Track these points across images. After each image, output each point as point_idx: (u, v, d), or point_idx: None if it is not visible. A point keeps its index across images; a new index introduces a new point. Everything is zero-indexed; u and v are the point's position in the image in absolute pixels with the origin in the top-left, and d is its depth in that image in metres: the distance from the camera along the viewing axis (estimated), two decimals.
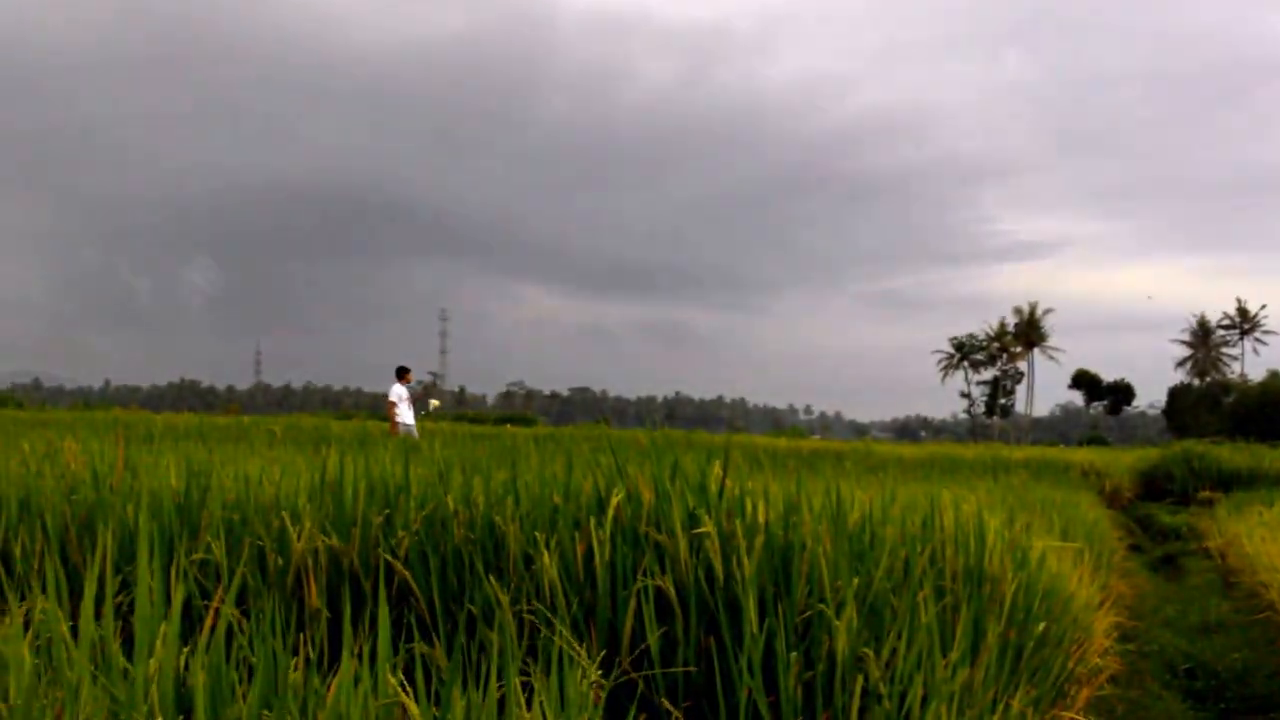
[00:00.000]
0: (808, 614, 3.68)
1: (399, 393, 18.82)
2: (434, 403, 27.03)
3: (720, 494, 4.09)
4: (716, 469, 4.26)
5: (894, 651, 3.54)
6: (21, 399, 47.77)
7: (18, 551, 4.15)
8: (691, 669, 3.67)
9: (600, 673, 3.33)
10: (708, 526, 3.81)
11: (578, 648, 3.26)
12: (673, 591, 3.74)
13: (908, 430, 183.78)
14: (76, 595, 3.96)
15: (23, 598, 3.71)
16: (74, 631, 2.88)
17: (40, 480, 4.59)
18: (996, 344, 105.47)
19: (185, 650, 2.64)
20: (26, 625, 3.01)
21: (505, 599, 3.68)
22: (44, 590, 3.43)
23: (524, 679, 3.43)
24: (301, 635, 3.60)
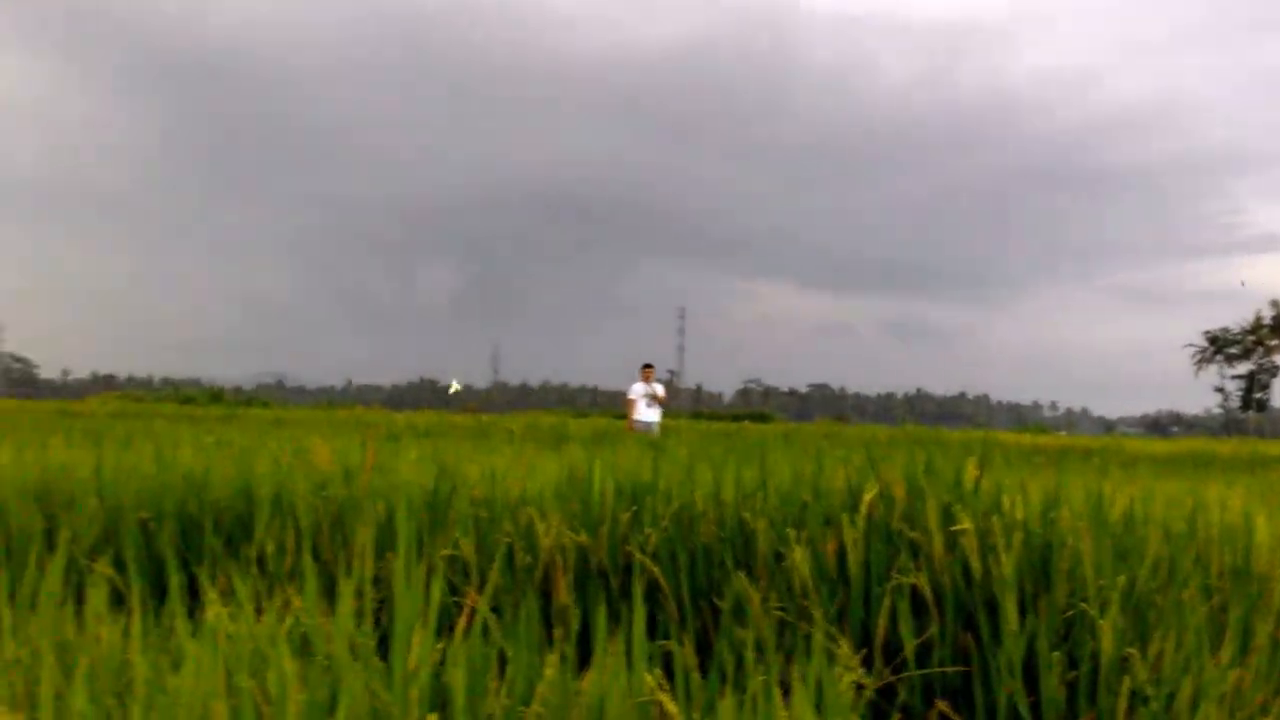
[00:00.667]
0: (1069, 613, 3.48)
1: (638, 390, 18.84)
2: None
3: (976, 490, 3.88)
4: (969, 465, 4.04)
5: (1160, 653, 3.31)
6: (267, 398, 50.79)
7: (270, 549, 4.26)
8: (949, 669, 3.49)
9: (863, 671, 3.19)
10: (965, 523, 3.60)
11: (842, 644, 3.10)
12: (928, 590, 3.55)
13: (1158, 426, 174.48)
14: (328, 592, 4.05)
15: (273, 594, 3.82)
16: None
17: (291, 478, 4.71)
18: (1252, 337, 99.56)
19: (440, 646, 2.61)
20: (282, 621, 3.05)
21: (756, 596, 3.55)
22: (298, 586, 3.52)
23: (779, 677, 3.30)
24: (556, 632, 3.56)
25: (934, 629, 3.52)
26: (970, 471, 3.97)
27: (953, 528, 3.65)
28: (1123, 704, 3.19)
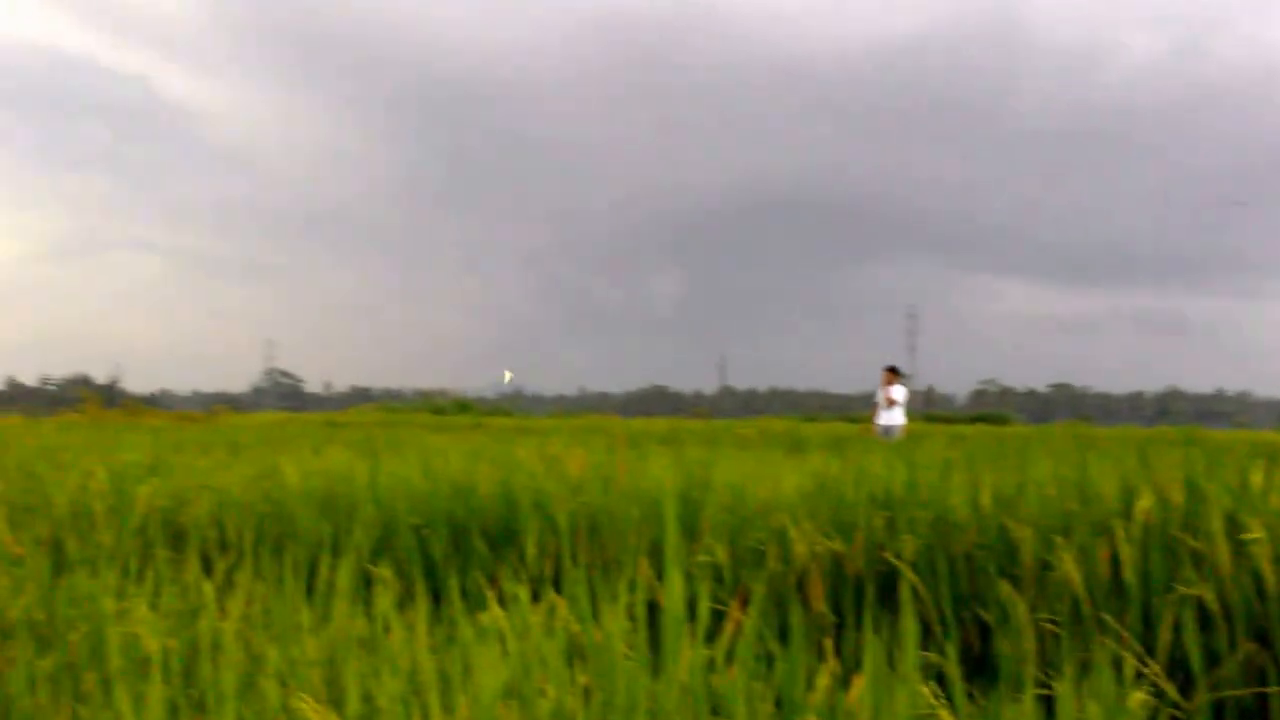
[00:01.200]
0: None
1: (893, 393, 18.46)
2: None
3: (1264, 494, 3.64)
4: (1254, 467, 3.80)
5: None
6: (508, 407, 52.47)
7: (533, 553, 4.41)
8: (1244, 691, 3.27)
9: (1151, 688, 3.04)
10: (1256, 531, 3.38)
11: (1148, 662, 2.96)
12: (1215, 603, 3.35)
13: None
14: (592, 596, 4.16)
15: (537, 598, 3.95)
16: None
17: (547, 484, 4.86)
18: None
19: (708, 653, 2.64)
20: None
21: (1022, 606, 3.45)
22: (558, 589, 3.63)
23: (1046, 690, 3.19)
24: (824, 641, 3.55)
25: (1221, 644, 3.32)
26: (1256, 474, 3.73)
27: (1241, 535, 3.44)
28: None
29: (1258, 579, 3.37)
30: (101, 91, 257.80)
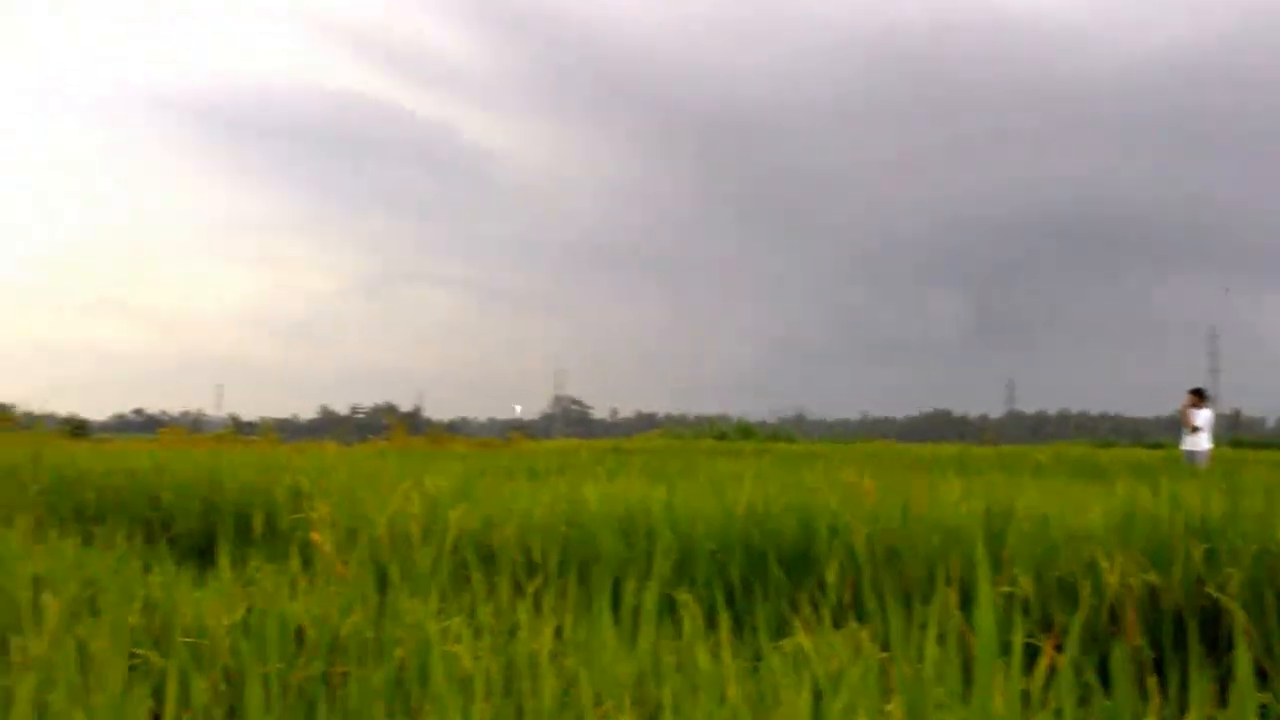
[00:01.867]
0: None
1: (1196, 418, 17.28)
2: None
3: None
4: None
5: None
6: (790, 432, 52.32)
7: (831, 579, 4.37)
8: None
9: None
10: None
11: None
12: None
13: None
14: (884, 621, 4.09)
15: (835, 624, 3.92)
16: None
17: (842, 511, 4.82)
18: None
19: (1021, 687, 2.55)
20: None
21: None
22: (857, 618, 3.60)
23: None
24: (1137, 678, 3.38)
25: None
26: None
27: None
28: None
29: None
30: (408, 137, 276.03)
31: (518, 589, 4.40)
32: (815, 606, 4.05)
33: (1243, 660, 2.33)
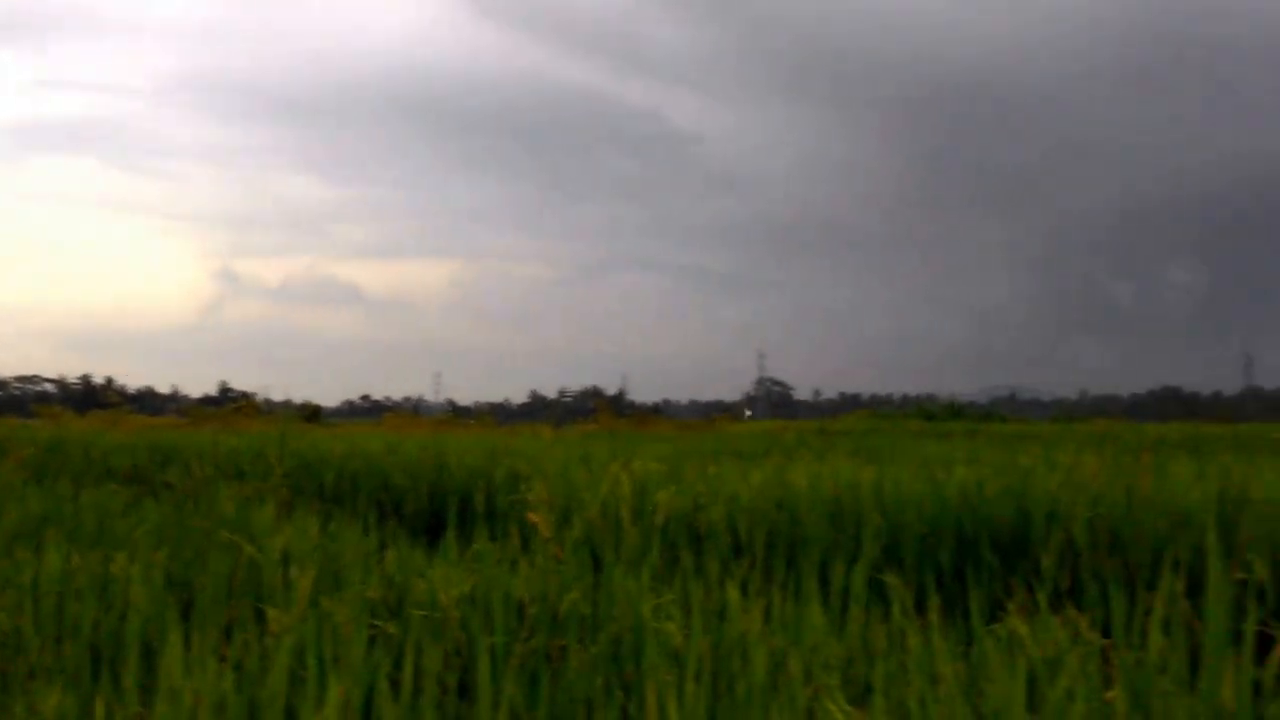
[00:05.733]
0: None
1: None
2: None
3: None
4: None
5: None
6: (1003, 412, 50.75)
7: (1047, 563, 4.27)
8: None
9: None
10: None
11: None
12: None
13: None
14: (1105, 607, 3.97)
15: (1053, 609, 3.82)
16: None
17: (1062, 494, 4.69)
18: None
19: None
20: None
21: None
22: (1075, 604, 3.50)
23: None
24: None
25: None
26: None
27: None
28: None
29: None
30: (614, 124, 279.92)
31: (726, 570, 4.46)
32: (1031, 592, 3.96)
33: None
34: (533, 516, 4.38)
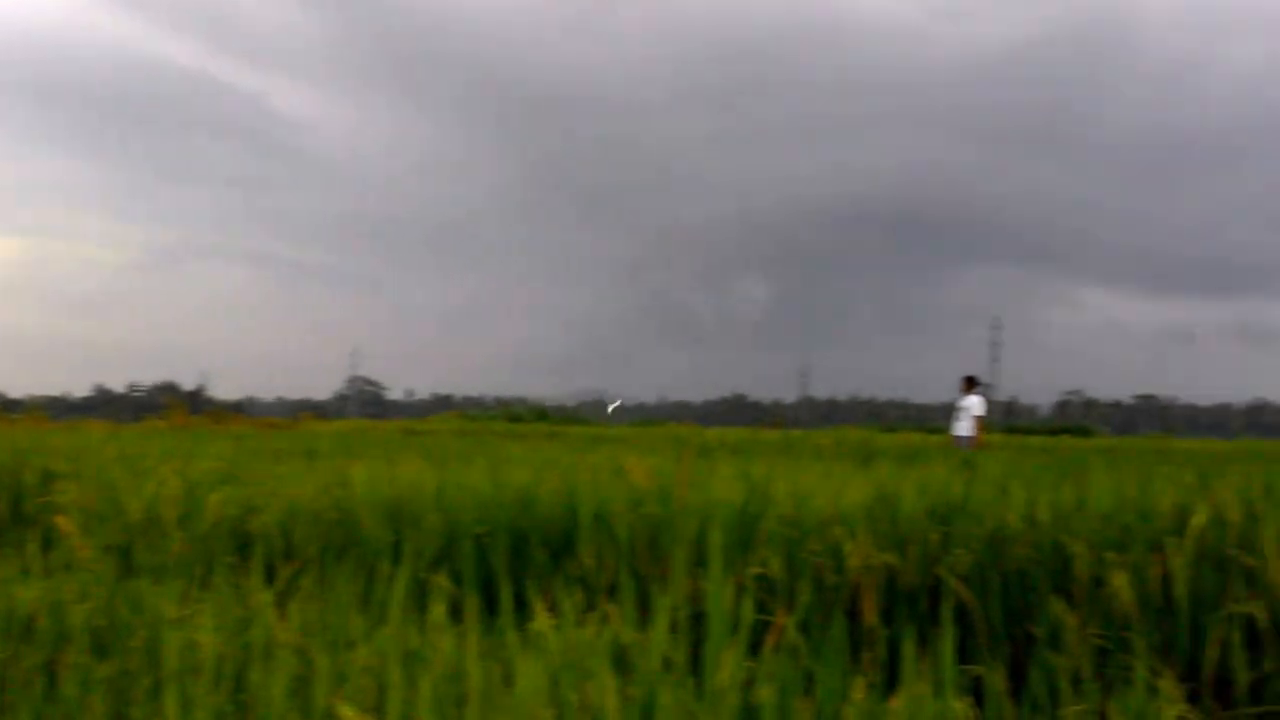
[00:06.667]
0: None
1: (967, 403, 18.26)
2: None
3: None
4: None
5: None
6: (588, 415, 52.66)
7: (591, 564, 4.46)
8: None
9: (1186, 706, 3.02)
10: None
11: (1166, 677, 2.95)
12: (1266, 620, 3.31)
13: None
14: (643, 606, 4.21)
15: (593, 607, 4.00)
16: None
17: (610, 494, 4.90)
18: None
19: (750, 664, 2.68)
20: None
21: (1073, 622, 3.43)
22: (615, 600, 3.68)
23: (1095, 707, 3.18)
24: (866, 655, 3.57)
25: (1272, 662, 3.28)
26: None
27: None
28: None
29: None
30: (215, 107, 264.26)
31: (271, 575, 4.33)
32: (574, 590, 4.12)
33: (947, 635, 2.51)
34: (60, 520, 4.06)
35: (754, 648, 2.67)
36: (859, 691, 2.49)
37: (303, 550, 4.66)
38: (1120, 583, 3.49)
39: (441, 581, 3.85)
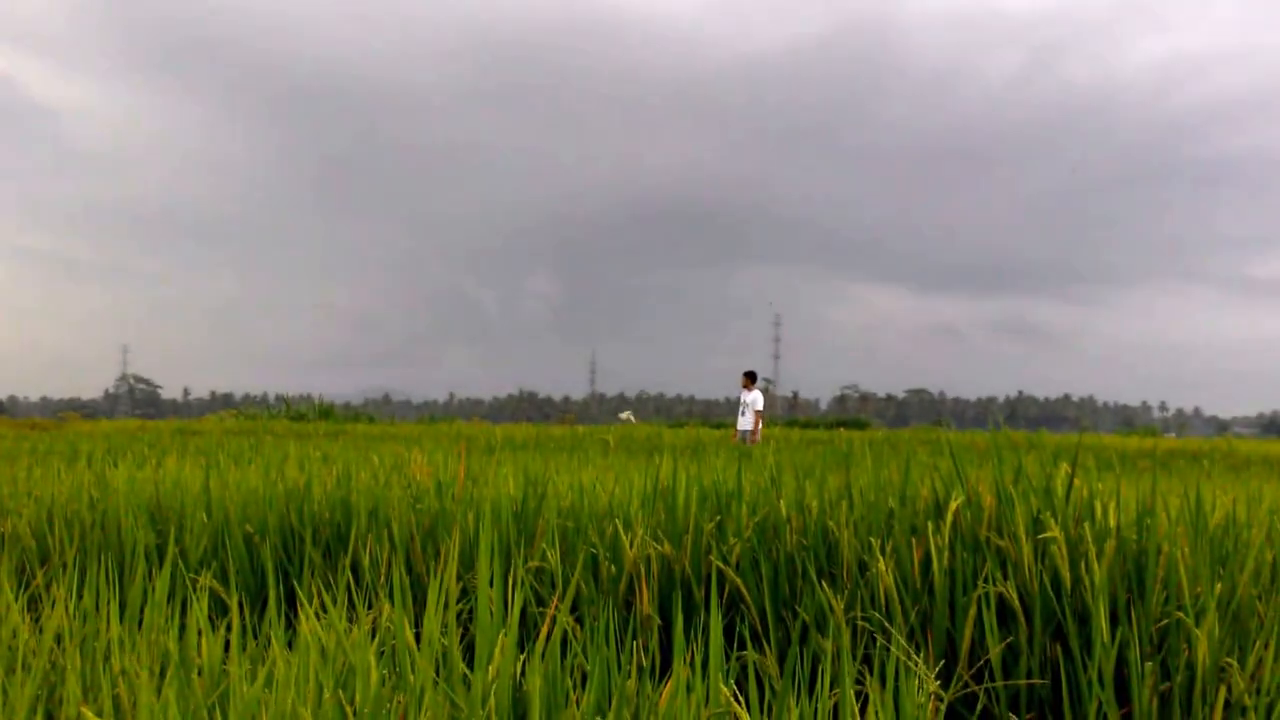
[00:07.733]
0: (1164, 622, 3.41)
1: (748, 398, 18.75)
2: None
3: (1067, 497, 3.82)
4: (1063, 471, 3.99)
5: (1260, 661, 3.25)
6: (373, 413, 51.66)
7: (366, 561, 4.38)
8: (1036, 680, 3.46)
9: (939, 683, 3.19)
10: (1054, 531, 3.56)
11: (914, 656, 3.10)
12: (1015, 599, 3.52)
13: (1275, 426, 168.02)
14: (420, 603, 4.16)
15: (369, 605, 3.93)
16: (418, 638, 2.99)
17: (388, 491, 4.83)
18: None
19: (522, 657, 2.67)
20: (374, 632, 3.15)
21: (839, 606, 3.56)
22: (390, 598, 3.62)
23: (858, 688, 3.32)
24: (634, 643, 3.61)
25: (1021, 639, 3.49)
26: (1061, 478, 3.92)
27: (1041, 535, 3.61)
28: (1219, 715, 3.13)
29: (1057, 577, 3.55)
30: None
31: (27, 581, 4.08)
32: (342, 588, 4.03)
33: (715, 621, 2.56)
34: None
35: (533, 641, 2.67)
36: (629, 679, 2.51)
37: (58, 554, 4.40)
38: (883, 566, 3.64)
39: (205, 581, 3.70)
